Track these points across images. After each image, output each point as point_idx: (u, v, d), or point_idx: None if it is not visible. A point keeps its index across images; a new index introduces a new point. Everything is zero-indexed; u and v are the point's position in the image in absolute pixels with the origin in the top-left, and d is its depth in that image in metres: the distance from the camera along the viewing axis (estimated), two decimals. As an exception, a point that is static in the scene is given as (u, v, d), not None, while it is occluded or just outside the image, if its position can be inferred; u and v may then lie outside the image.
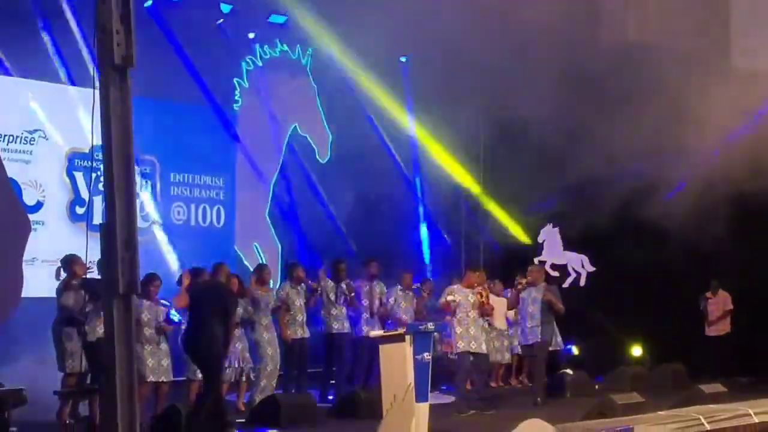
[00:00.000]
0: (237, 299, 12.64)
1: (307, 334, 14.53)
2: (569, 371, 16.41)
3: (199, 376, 12.70)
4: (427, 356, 10.74)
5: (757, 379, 17.74)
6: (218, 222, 18.78)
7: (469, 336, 13.57)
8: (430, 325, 11.38)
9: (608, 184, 17.93)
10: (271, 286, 15.07)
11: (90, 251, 7.58)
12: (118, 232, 5.83)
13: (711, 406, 13.20)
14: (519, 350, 16.99)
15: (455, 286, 14.14)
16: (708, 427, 11.90)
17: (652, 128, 17.02)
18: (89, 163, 15.89)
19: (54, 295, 12.70)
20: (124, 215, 5.87)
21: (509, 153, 19.90)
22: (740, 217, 18.42)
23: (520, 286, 15.26)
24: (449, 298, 13.83)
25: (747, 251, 19.15)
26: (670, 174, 17.83)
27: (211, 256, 17.15)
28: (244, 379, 13.45)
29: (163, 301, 12.65)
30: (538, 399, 14.69)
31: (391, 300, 15.87)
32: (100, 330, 11.67)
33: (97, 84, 5.88)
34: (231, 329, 11.77)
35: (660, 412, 12.60)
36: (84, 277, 12.22)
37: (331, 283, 15.13)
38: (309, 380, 14.87)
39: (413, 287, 16.55)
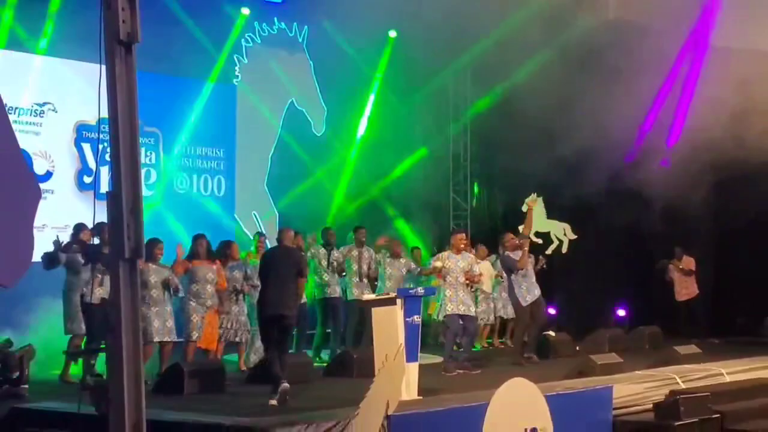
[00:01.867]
0: (306, 260, 12.45)
1: (304, 299, 14.59)
2: (552, 333, 16.45)
3: (194, 337, 12.73)
4: (416, 319, 10.82)
5: (728, 341, 17.85)
6: (219, 192, 18.78)
7: (457, 299, 13.58)
8: (420, 290, 11.45)
9: (592, 153, 17.96)
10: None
11: (97, 219, 7.63)
12: (124, 200, 5.84)
13: (685, 366, 13.34)
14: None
15: (444, 253, 14.11)
16: (683, 385, 12.03)
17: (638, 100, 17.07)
18: (96, 134, 15.86)
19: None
20: (129, 183, 5.88)
21: (499, 123, 19.90)
22: (717, 185, 18.48)
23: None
24: (437, 264, 13.83)
25: (722, 218, 19.22)
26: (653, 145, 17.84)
27: (212, 224, 17.27)
28: (243, 340, 13.46)
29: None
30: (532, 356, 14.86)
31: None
32: (98, 293, 11.75)
33: (103, 59, 5.90)
34: (301, 291, 11.63)
35: (637, 372, 12.71)
36: (87, 242, 12.29)
37: (322, 250, 15.17)
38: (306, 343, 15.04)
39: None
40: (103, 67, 5.89)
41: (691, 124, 16.93)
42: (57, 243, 12.31)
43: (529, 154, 18.20)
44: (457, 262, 13.76)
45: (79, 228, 12.96)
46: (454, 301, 13.56)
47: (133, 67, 5.94)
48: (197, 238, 13.23)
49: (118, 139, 5.89)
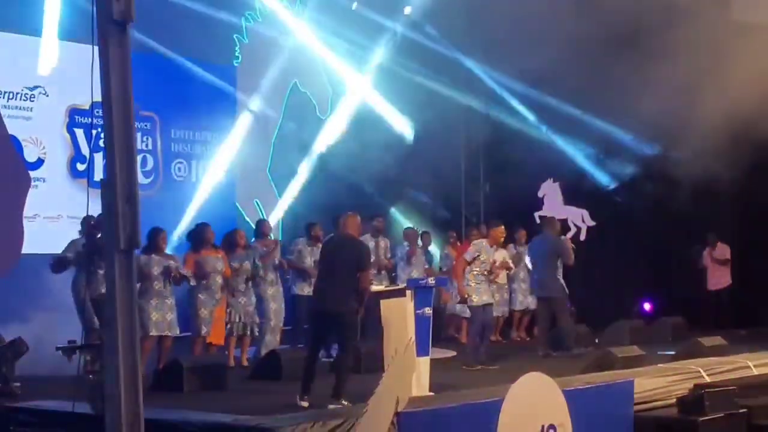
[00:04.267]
0: (369, 251, 11.59)
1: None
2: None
3: (203, 332, 12.74)
4: (428, 311, 10.78)
5: (756, 332, 17.80)
6: (219, 178, 18.76)
7: (481, 290, 13.60)
8: (431, 280, 11.42)
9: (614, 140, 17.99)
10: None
11: (91, 209, 7.63)
12: (119, 188, 5.84)
13: (710, 358, 13.30)
14: (532, 305, 17.17)
15: (484, 244, 13.98)
16: (708, 379, 12.00)
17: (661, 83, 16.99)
18: (89, 119, 15.85)
19: (55, 251, 12.75)
20: (124, 171, 5.87)
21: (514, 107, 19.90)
22: (744, 172, 18.42)
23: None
24: (478, 255, 13.74)
25: (748, 205, 19.17)
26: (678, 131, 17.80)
27: (212, 212, 17.26)
28: (248, 333, 13.44)
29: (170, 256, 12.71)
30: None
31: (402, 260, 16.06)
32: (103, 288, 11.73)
33: (96, 39, 5.88)
34: (364, 284, 10.51)
35: (660, 365, 12.69)
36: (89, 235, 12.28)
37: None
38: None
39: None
40: (96, 47, 5.89)
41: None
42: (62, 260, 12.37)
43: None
44: (492, 254, 13.79)
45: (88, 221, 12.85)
46: (478, 293, 13.57)
47: (127, 48, 5.92)
48: (203, 227, 13.21)
49: (112, 124, 5.89)
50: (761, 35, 15.93)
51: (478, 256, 13.60)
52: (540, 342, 15.30)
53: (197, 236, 13.05)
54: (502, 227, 14.24)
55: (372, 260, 15.16)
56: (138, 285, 11.73)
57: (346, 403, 9.82)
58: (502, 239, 14.12)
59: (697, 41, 16.08)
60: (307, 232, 15.20)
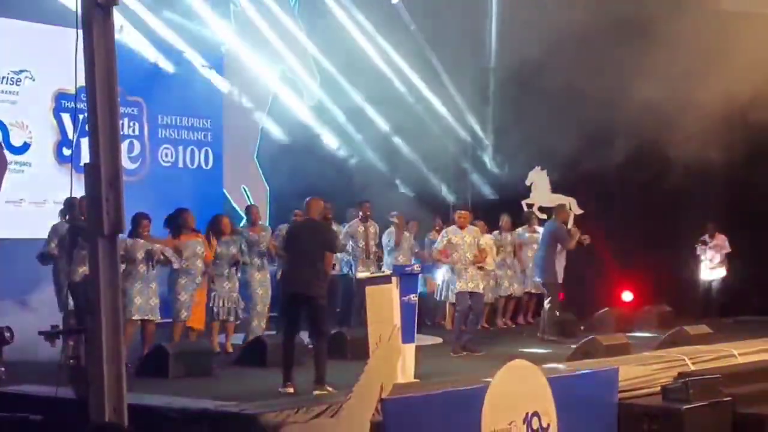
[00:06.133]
0: (333, 235, 11.68)
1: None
2: (557, 313, 16.42)
3: (182, 317, 12.68)
4: (413, 297, 10.80)
5: (742, 321, 17.86)
6: (206, 164, 18.76)
7: (467, 276, 13.59)
8: (417, 267, 11.43)
9: (603, 129, 17.97)
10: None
11: (75, 193, 7.60)
12: (103, 173, 5.84)
13: (695, 346, 13.32)
14: (518, 292, 17.25)
15: (449, 228, 14.07)
16: (692, 367, 12.02)
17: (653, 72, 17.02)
18: (73, 104, 15.80)
19: (41, 236, 12.73)
20: (108, 156, 5.88)
21: (514, 95, 19.86)
22: (737, 160, 18.47)
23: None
24: (444, 243, 13.78)
25: (739, 194, 19.22)
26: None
27: (199, 197, 17.24)
28: (232, 319, 13.38)
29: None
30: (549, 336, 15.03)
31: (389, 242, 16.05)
32: (81, 270, 11.71)
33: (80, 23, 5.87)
34: (329, 266, 10.92)
35: (645, 353, 12.72)
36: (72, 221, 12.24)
37: None
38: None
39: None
40: (80, 31, 5.88)
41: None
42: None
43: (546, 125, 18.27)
44: (463, 237, 13.78)
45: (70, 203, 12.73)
46: (464, 278, 13.57)
47: (112, 31, 5.92)
48: (182, 212, 13.14)
49: (96, 108, 5.89)
50: (751, 23, 15.99)
51: (449, 240, 13.64)
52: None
53: (176, 221, 12.97)
54: (466, 212, 14.31)
55: (361, 245, 15.27)
56: (122, 268, 11.82)
57: (330, 389, 9.84)
58: (462, 222, 14.08)
59: (690, 29, 16.15)
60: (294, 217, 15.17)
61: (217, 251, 13.17)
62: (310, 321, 10.59)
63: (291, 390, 9.90)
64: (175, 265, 12.49)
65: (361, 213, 15.73)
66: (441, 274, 16.08)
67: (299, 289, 10.50)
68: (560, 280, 15.44)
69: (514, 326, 17.67)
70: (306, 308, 10.50)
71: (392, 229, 16.34)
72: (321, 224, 10.94)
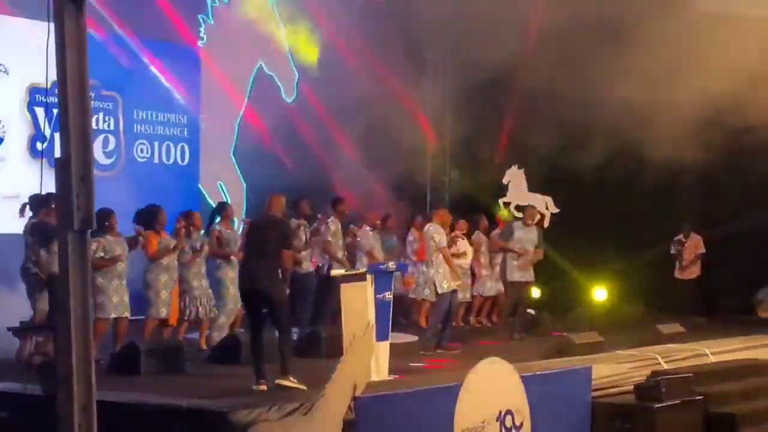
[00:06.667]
0: (291, 232, 11.73)
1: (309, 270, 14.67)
2: (531, 311, 16.47)
3: (163, 314, 12.65)
4: (388, 295, 10.76)
5: (715, 320, 17.91)
6: (182, 160, 18.69)
7: (451, 275, 13.58)
8: (392, 265, 11.39)
9: (578, 126, 17.99)
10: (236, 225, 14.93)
11: (46, 188, 7.54)
12: (74, 167, 5.77)
13: (669, 345, 13.36)
14: (492, 291, 17.16)
15: (432, 226, 14.01)
16: (665, 366, 12.05)
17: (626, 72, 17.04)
18: (47, 98, 15.71)
19: (14, 230, 12.64)
20: (79, 150, 5.81)
21: (480, 95, 19.87)
22: (708, 164, 18.52)
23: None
24: (437, 239, 13.74)
25: (711, 194, 19.28)
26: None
27: (175, 194, 17.17)
28: (202, 317, 13.33)
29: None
30: (521, 335, 14.88)
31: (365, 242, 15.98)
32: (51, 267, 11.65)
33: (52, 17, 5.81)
34: (288, 264, 10.75)
35: (618, 351, 12.73)
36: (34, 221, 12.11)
37: (295, 222, 14.94)
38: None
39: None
40: (52, 25, 5.81)
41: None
42: None
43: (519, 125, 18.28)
44: (444, 235, 13.80)
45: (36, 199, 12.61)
46: (448, 279, 13.56)
47: (83, 26, 5.85)
48: (157, 209, 13.06)
49: (68, 103, 5.82)
50: (729, 25, 16.03)
51: (439, 239, 13.63)
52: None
53: (153, 217, 12.88)
54: (446, 210, 14.31)
55: (339, 243, 15.21)
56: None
57: (293, 380, 9.84)
58: (449, 221, 14.05)
59: (667, 30, 16.18)
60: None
61: (194, 248, 13.13)
62: (271, 316, 10.60)
63: (264, 387, 9.85)
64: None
65: (337, 210, 15.62)
66: (419, 272, 16.04)
67: (251, 284, 10.54)
68: (520, 279, 15.31)
69: (489, 324, 17.67)
70: (266, 304, 10.51)
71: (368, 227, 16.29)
72: (278, 221, 10.91)
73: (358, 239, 16.30)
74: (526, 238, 15.38)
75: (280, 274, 10.62)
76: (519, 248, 15.29)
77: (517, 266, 15.34)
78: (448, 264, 13.60)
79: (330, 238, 14.92)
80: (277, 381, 9.84)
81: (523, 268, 15.39)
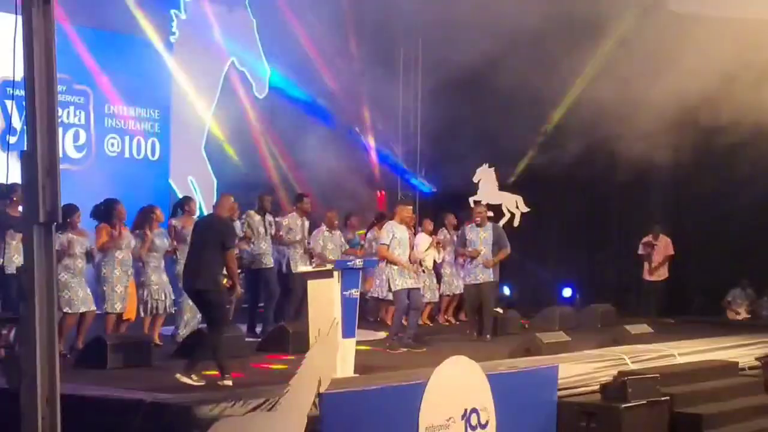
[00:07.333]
0: (234, 231, 11.70)
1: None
2: (500, 310, 16.52)
3: (117, 308, 12.64)
4: (354, 293, 10.80)
5: (683, 321, 18.03)
6: (153, 155, 18.66)
7: (405, 273, 13.54)
8: (359, 262, 11.41)
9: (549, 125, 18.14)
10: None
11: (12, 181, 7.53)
12: (39, 161, 5.79)
13: (636, 346, 13.45)
14: (458, 289, 17.11)
15: (392, 223, 13.96)
16: (632, 366, 12.14)
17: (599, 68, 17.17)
18: (16, 91, 15.62)
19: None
20: (45, 143, 5.83)
21: (450, 94, 19.94)
22: (677, 165, 18.65)
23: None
24: (393, 236, 13.69)
25: (681, 194, 19.42)
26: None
27: (145, 188, 17.15)
28: (161, 312, 13.29)
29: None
30: (488, 336, 14.88)
31: (319, 242, 15.85)
32: (16, 260, 11.62)
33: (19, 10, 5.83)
34: (229, 263, 10.65)
35: (585, 351, 12.81)
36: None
37: (257, 217, 14.93)
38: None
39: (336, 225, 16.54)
40: (20, 18, 5.83)
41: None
42: None
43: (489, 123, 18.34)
44: (402, 233, 13.71)
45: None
46: (402, 276, 13.52)
47: (51, 20, 5.88)
48: (115, 203, 13.01)
49: (34, 96, 5.85)
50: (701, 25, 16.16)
51: (394, 236, 13.56)
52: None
53: (109, 212, 12.84)
54: (409, 207, 14.26)
55: (299, 239, 15.21)
56: (63, 261, 11.80)
57: (195, 378, 9.90)
58: (408, 219, 14.03)
59: (641, 29, 16.30)
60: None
61: (153, 243, 13.11)
62: (205, 314, 10.81)
63: (230, 383, 9.88)
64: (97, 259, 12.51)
65: (297, 207, 15.62)
66: (379, 271, 16.04)
67: (189, 284, 10.72)
68: (478, 281, 15.19)
69: (457, 323, 17.70)
70: (200, 302, 10.73)
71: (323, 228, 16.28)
72: (218, 219, 10.95)
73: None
74: (478, 238, 15.27)
75: (222, 274, 10.66)
76: (471, 250, 15.22)
77: (470, 269, 15.32)
78: (392, 262, 13.55)
79: (282, 233, 15.04)
80: (177, 375, 9.93)
81: (477, 268, 15.23)
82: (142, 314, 13.19)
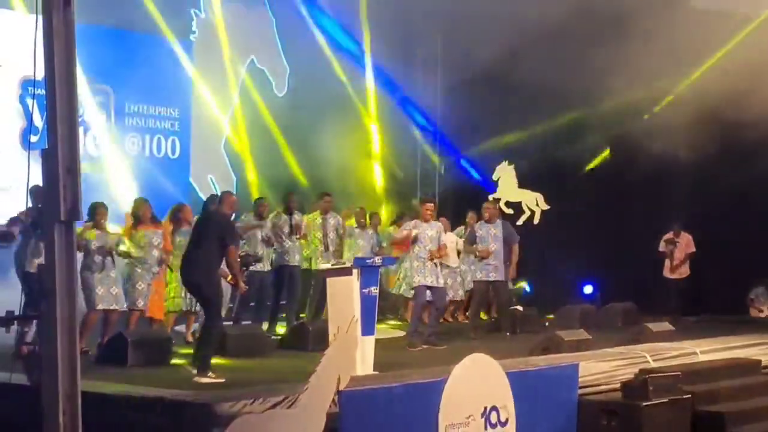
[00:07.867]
0: (233, 228, 11.79)
1: (267, 267, 14.68)
2: (519, 308, 16.53)
3: (141, 304, 12.73)
4: (374, 290, 10.82)
5: (705, 319, 17.96)
6: (173, 153, 18.73)
7: (425, 270, 13.57)
8: (378, 260, 11.45)
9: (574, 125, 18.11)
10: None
11: (33, 180, 7.56)
12: (60, 159, 5.84)
13: (658, 344, 13.40)
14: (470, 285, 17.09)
15: (413, 222, 14.08)
16: (653, 364, 12.08)
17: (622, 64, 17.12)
18: (40, 90, 15.71)
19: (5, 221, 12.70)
20: (66, 141, 5.87)
21: (470, 89, 19.93)
22: (699, 162, 18.58)
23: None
24: (407, 232, 13.77)
25: (702, 191, 19.35)
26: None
27: (165, 187, 17.22)
28: (193, 309, 13.37)
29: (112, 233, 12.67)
30: (507, 333, 14.90)
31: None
32: (36, 261, 11.68)
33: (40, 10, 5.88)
34: (230, 258, 10.83)
35: (606, 349, 12.77)
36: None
37: (283, 216, 15.07)
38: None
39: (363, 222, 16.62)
40: (41, 17, 5.89)
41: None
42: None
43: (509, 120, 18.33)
44: (425, 230, 13.75)
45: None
46: (422, 273, 13.54)
47: (71, 20, 5.92)
48: (140, 202, 13.14)
49: (55, 95, 5.90)
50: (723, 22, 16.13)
51: (414, 232, 13.60)
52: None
53: (134, 211, 12.98)
54: (430, 204, 14.24)
55: (319, 237, 15.26)
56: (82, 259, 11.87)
57: (213, 375, 10.01)
58: (429, 215, 14.04)
59: (664, 25, 16.26)
60: (255, 207, 15.21)
61: (177, 241, 13.18)
62: (202, 308, 11.07)
63: (204, 380, 9.98)
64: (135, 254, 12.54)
65: (321, 204, 15.72)
66: (403, 268, 16.09)
67: (185, 276, 10.90)
68: (489, 278, 15.24)
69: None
70: (196, 296, 11.10)
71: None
72: (218, 216, 11.11)
73: None
74: (488, 234, 15.24)
75: (218, 269, 10.80)
76: (481, 248, 15.22)
77: (482, 265, 15.31)
78: (393, 244, 13.64)
79: (304, 231, 15.17)
80: (194, 379, 10.02)
81: (490, 266, 15.22)
82: (184, 308, 13.29)
